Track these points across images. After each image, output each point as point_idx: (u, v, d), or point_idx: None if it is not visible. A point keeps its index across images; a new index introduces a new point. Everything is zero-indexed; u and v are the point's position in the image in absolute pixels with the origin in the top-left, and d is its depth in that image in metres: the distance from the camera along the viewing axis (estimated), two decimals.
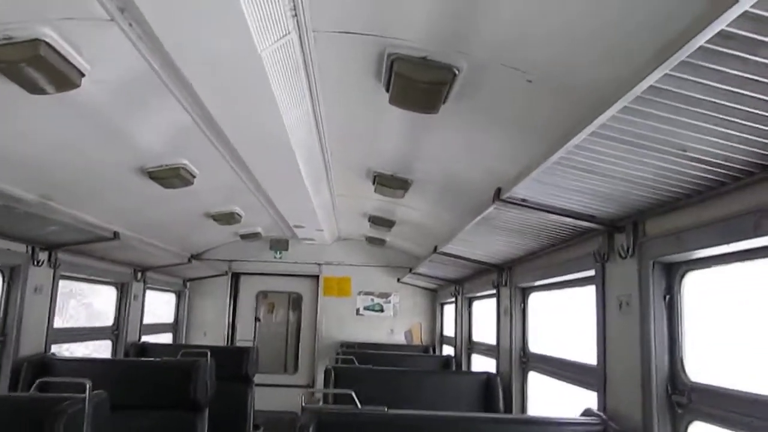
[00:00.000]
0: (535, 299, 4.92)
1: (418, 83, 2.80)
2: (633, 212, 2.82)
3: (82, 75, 2.88)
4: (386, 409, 2.66)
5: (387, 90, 2.95)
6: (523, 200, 2.96)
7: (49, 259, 4.99)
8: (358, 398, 2.93)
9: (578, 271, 3.62)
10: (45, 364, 4.57)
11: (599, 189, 2.60)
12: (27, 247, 4.74)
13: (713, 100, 1.64)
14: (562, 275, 3.93)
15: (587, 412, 2.92)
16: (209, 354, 4.98)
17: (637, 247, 2.83)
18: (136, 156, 4.29)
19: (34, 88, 2.85)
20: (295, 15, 2.48)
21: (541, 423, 2.82)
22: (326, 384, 4.55)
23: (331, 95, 3.40)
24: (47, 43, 2.59)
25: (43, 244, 4.87)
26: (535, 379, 4.80)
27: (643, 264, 2.76)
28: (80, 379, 2.74)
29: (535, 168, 2.43)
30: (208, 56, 2.76)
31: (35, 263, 4.78)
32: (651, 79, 1.53)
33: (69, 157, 3.98)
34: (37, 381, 2.86)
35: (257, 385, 6.87)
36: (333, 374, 4.57)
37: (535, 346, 4.85)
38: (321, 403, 5.12)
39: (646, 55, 1.52)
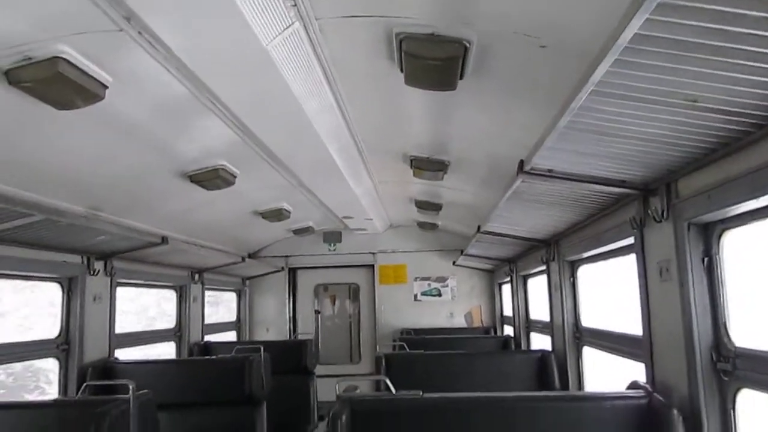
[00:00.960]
0: (584, 272, 4.78)
1: (429, 60, 2.74)
2: (664, 173, 2.69)
3: (105, 87, 2.95)
4: (421, 394, 2.64)
5: (401, 70, 2.90)
6: (550, 171, 2.87)
7: (105, 268, 5.19)
8: (406, 383, 2.91)
9: (618, 240, 3.48)
10: (108, 369, 4.76)
11: (623, 152, 2.49)
12: (82, 257, 4.94)
13: (710, 42, 1.52)
14: (604, 245, 3.79)
15: (633, 385, 2.81)
16: (263, 349, 5.07)
17: (671, 210, 2.69)
18: (174, 161, 4.39)
19: (61, 104, 2.94)
20: (295, 5, 2.46)
21: (584, 398, 2.74)
22: (377, 372, 4.55)
23: (349, 82, 3.39)
24: (65, 59, 2.66)
25: (98, 254, 5.06)
26: (591, 354, 4.68)
27: (679, 227, 2.62)
28: (124, 381, 2.83)
29: (549, 135, 2.34)
30: (217, 56, 2.80)
31: (92, 273, 4.98)
32: (633, 27, 1.44)
33: (110, 168, 4.11)
34: (84, 384, 2.98)
35: (322, 376, 6.97)
36: (384, 361, 4.57)
37: (588, 320, 4.72)
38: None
39: (624, 1, 1.43)
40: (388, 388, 2.81)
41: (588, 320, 4.71)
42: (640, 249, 3.08)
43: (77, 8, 2.38)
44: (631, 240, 3.23)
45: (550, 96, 2.85)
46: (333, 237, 9.38)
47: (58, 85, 2.75)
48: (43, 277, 4.68)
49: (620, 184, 2.89)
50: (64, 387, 4.65)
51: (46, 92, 2.81)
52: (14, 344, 4.24)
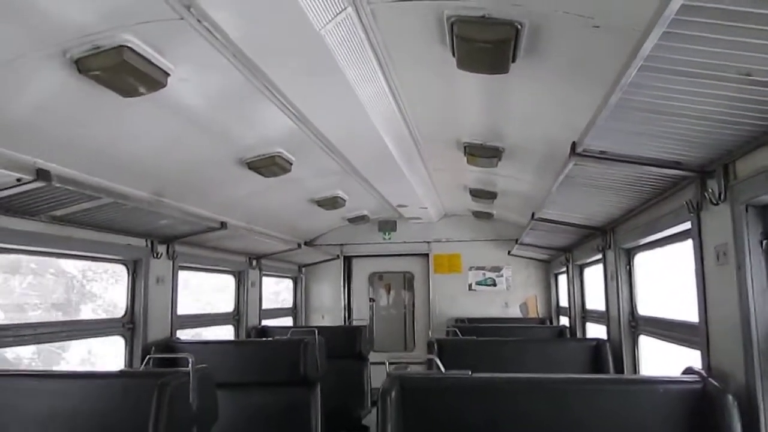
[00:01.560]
0: (641, 260, 4.69)
1: (481, 43, 2.75)
2: (721, 153, 2.62)
3: (167, 74, 3.07)
4: (470, 373, 2.66)
5: (453, 54, 2.91)
6: (602, 152, 2.84)
7: (167, 252, 5.40)
8: (456, 367, 2.94)
9: (675, 225, 3.41)
10: (169, 347, 4.97)
11: (677, 131, 2.44)
12: (146, 241, 5.16)
13: (761, 11, 1.48)
14: (660, 231, 3.71)
15: (688, 370, 2.76)
16: (317, 332, 5.18)
17: (728, 191, 2.62)
18: (233, 148, 4.52)
19: (126, 92, 3.08)
20: None
21: (637, 382, 2.71)
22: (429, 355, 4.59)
23: (402, 68, 3.42)
24: (130, 48, 2.79)
25: (160, 238, 5.28)
26: (647, 343, 4.59)
27: (736, 209, 2.55)
28: (184, 354, 2.97)
29: (600, 114, 2.32)
30: (272, 42, 2.87)
31: (155, 255, 5.20)
32: None
33: (172, 154, 4.27)
34: (147, 357, 3.14)
35: (375, 363, 7.06)
36: (435, 346, 4.60)
37: (644, 308, 4.63)
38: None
39: None
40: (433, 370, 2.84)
41: (644, 308, 4.62)
42: (697, 233, 3.01)
43: None
44: (687, 225, 3.16)
45: (603, 76, 2.80)
46: (388, 225, 9.45)
47: (124, 73, 2.89)
48: (110, 259, 4.92)
49: (675, 165, 2.83)
50: (129, 363, 4.89)
51: (112, 80, 2.95)
52: (85, 321, 4.48)
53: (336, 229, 9.46)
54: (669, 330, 3.87)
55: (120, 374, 3.15)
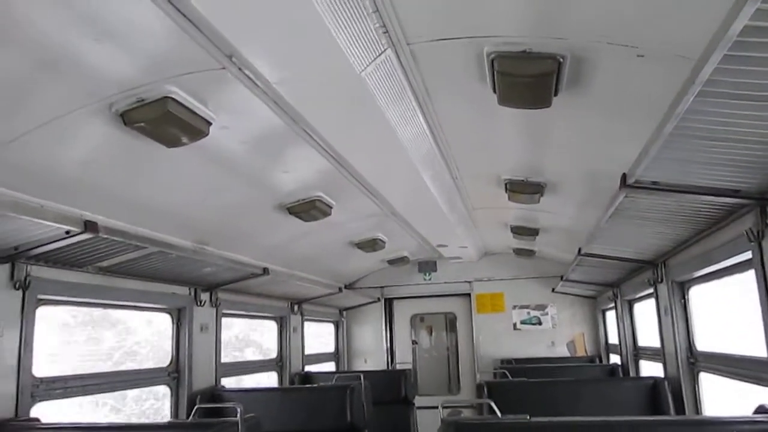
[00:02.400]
0: (696, 293, 4.51)
1: (523, 78, 2.72)
2: None
3: (209, 123, 3.11)
4: (528, 417, 2.55)
5: (494, 91, 2.88)
6: (654, 183, 2.74)
7: (210, 299, 5.41)
8: (509, 411, 2.83)
9: (734, 255, 3.26)
10: (215, 396, 4.93)
11: (735, 157, 2.35)
12: (189, 289, 5.18)
13: None
14: (717, 263, 3.57)
15: (760, 409, 2.59)
16: (363, 378, 5.09)
17: None
18: (273, 194, 4.55)
19: (170, 142, 3.12)
20: (386, 31, 2.51)
21: (705, 423, 2.55)
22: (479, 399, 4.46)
23: (442, 106, 3.40)
24: (174, 99, 2.84)
25: (204, 285, 5.30)
26: (709, 381, 4.37)
27: None
28: (232, 403, 2.93)
29: (654, 144, 2.24)
30: (313, 86, 2.89)
31: (198, 303, 5.21)
32: (743, 18, 1.36)
33: (214, 202, 4.31)
34: (196, 408, 3.10)
35: (421, 408, 6.91)
36: (486, 389, 4.47)
37: (703, 344, 4.42)
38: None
39: None
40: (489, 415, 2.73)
41: (703, 344, 4.42)
42: (759, 263, 2.87)
43: (184, 50, 2.54)
44: (748, 254, 3.02)
45: (649, 106, 2.74)
46: (428, 266, 9.37)
47: (167, 123, 2.93)
48: (155, 308, 4.94)
49: (733, 193, 2.72)
50: (175, 413, 4.86)
51: (156, 131, 3.00)
52: (132, 372, 4.48)
53: (376, 272, 9.42)
54: (733, 366, 3.67)
55: (168, 426, 3.11)
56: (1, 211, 2.80)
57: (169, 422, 3.20)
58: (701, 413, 4.39)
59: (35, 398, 3.49)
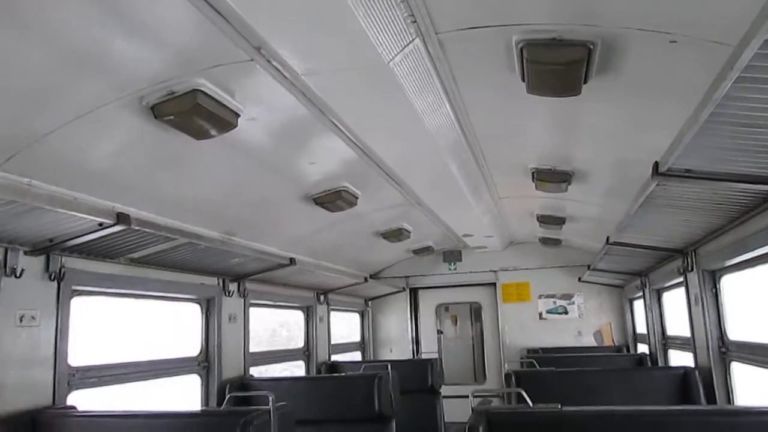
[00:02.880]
0: (729, 282, 4.44)
1: (552, 66, 2.69)
2: None
3: (238, 115, 3.13)
4: (560, 407, 2.54)
5: (523, 80, 2.86)
6: (687, 171, 2.70)
7: (238, 290, 5.47)
8: (537, 399, 2.83)
9: None
10: (244, 385, 5.00)
11: None
12: (218, 279, 5.24)
13: None
14: (751, 251, 3.50)
15: None
16: (390, 367, 5.11)
17: None
18: (300, 184, 4.57)
19: (199, 134, 3.15)
20: (415, 20, 2.50)
21: (740, 413, 2.51)
22: (508, 387, 4.46)
23: (469, 95, 3.38)
24: (203, 91, 2.86)
25: (232, 276, 5.36)
26: (741, 370, 4.31)
27: None
28: (264, 392, 2.97)
29: (688, 131, 2.21)
30: (341, 76, 2.89)
31: (227, 294, 5.27)
32: None
33: (241, 193, 4.35)
34: (228, 396, 3.15)
35: (447, 396, 6.92)
36: (513, 378, 4.46)
37: (735, 333, 4.36)
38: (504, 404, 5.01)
39: None
40: (518, 403, 2.72)
41: (735, 333, 4.35)
42: None
43: (213, 43, 2.56)
44: None
45: (682, 92, 2.70)
46: (453, 256, 9.35)
47: (197, 116, 2.96)
48: (184, 298, 5.01)
49: None
50: (205, 401, 4.94)
51: (186, 123, 3.03)
52: (163, 361, 4.56)
53: (401, 262, 9.43)
54: (767, 356, 3.62)
55: (202, 413, 3.17)
56: (37, 204, 2.85)
57: (202, 410, 3.26)
58: (733, 403, 4.33)
59: (71, 386, 3.58)
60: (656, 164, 2.77)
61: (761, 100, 1.94)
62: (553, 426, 2.51)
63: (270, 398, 2.92)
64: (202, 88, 2.86)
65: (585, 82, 2.81)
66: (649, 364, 6.42)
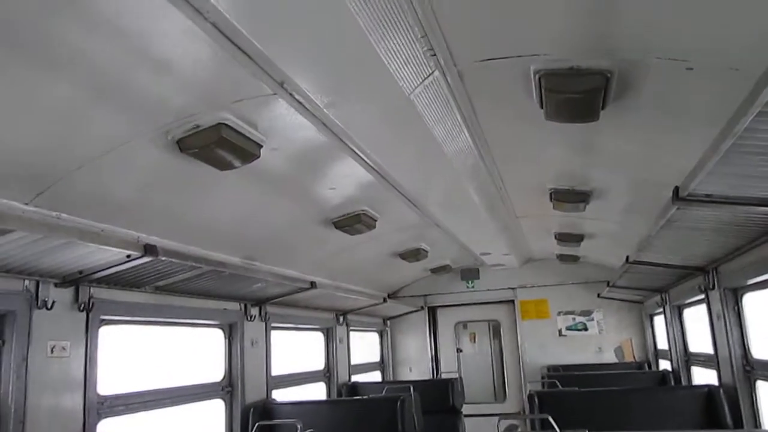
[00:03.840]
0: (751, 300, 4.42)
1: (570, 95, 2.73)
2: None
3: (260, 146, 3.19)
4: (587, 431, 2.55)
5: (541, 107, 2.90)
6: (707, 196, 2.72)
7: (260, 314, 5.53)
8: (564, 422, 2.84)
9: None
10: (267, 409, 5.03)
11: None
12: (240, 304, 5.29)
13: None
14: None
15: None
16: (412, 388, 5.13)
17: None
18: (319, 209, 4.63)
19: (223, 165, 3.21)
20: (434, 54, 2.56)
21: None
22: (531, 410, 4.45)
23: (488, 121, 3.42)
24: (227, 125, 2.93)
25: (253, 300, 5.41)
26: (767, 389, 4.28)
27: None
28: (292, 420, 3.00)
29: (709, 160, 2.23)
30: (364, 111, 2.96)
31: (248, 318, 5.33)
32: None
33: (263, 221, 4.42)
34: (256, 425, 3.18)
35: (468, 415, 6.90)
36: (536, 399, 4.46)
37: (760, 352, 4.33)
38: (528, 429, 5.00)
39: None
40: (544, 427, 2.73)
41: (760, 352, 4.32)
42: None
43: (238, 78, 2.63)
44: None
45: (700, 117, 2.74)
46: (470, 274, 9.34)
47: (221, 148, 3.02)
48: (208, 324, 5.06)
49: None
50: (229, 427, 4.97)
51: (210, 156, 3.09)
52: (188, 387, 4.61)
53: (419, 281, 9.44)
54: None
55: None
56: (66, 238, 2.92)
57: None
58: (760, 423, 4.30)
59: (101, 415, 3.64)
60: (677, 189, 2.79)
61: None
62: None
63: (298, 427, 2.95)
64: (227, 122, 2.92)
65: (603, 108, 2.84)
66: (672, 381, 6.37)
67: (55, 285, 3.40)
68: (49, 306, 3.31)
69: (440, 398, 6.39)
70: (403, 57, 2.48)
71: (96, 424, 3.58)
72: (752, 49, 2.08)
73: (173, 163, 3.13)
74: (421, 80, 2.68)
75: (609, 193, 4.59)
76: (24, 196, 2.90)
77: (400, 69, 2.53)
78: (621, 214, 5.17)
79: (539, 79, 2.68)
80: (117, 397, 3.84)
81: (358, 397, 6.37)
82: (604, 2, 2.16)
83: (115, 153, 2.92)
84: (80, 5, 1.98)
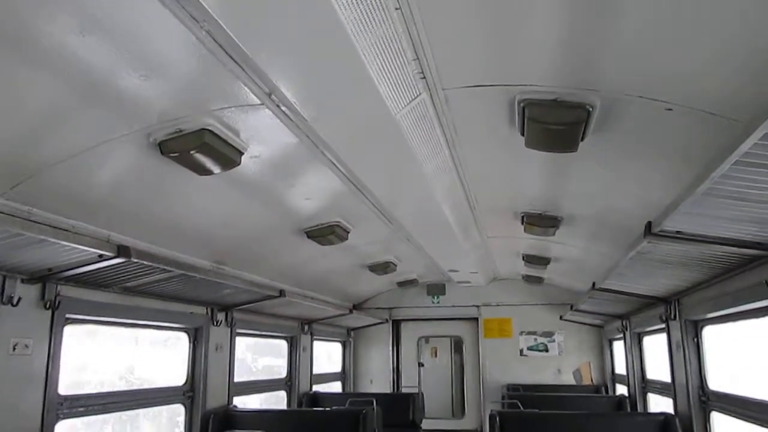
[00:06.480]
0: (710, 333, 4.54)
1: (552, 125, 2.80)
2: None
3: (241, 153, 3.19)
4: None
5: (522, 134, 2.96)
6: (678, 233, 2.81)
7: (226, 319, 5.48)
8: None
9: (752, 302, 3.32)
10: (229, 416, 4.98)
11: (763, 215, 2.41)
12: (207, 309, 5.24)
13: None
14: (733, 306, 3.62)
15: None
16: (375, 402, 5.13)
17: None
18: (293, 219, 4.63)
19: (202, 171, 3.19)
20: (424, 77, 2.60)
21: None
22: (491, 430, 4.50)
23: (468, 144, 3.48)
24: (211, 131, 2.92)
25: (220, 306, 5.36)
26: (721, 420, 4.39)
27: None
28: (256, 430, 2.99)
29: (683, 201, 2.31)
30: (349, 127, 2.98)
31: (215, 323, 5.27)
32: None
33: (236, 226, 4.40)
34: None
35: (426, 431, 6.92)
36: (498, 419, 4.51)
37: (716, 384, 4.45)
38: None
39: None
40: None
41: (716, 383, 4.45)
42: None
43: (226, 86, 2.63)
44: (766, 302, 3.07)
45: (677, 158, 2.82)
46: (437, 289, 9.40)
47: (203, 153, 3.01)
48: (174, 327, 5.00)
49: (756, 246, 2.79)
50: (189, 431, 4.90)
51: (191, 160, 3.07)
52: (148, 390, 4.54)
53: (384, 293, 9.45)
54: (746, 408, 3.71)
55: None
56: (38, 235, 2.87)
57: None
58: None
59: (59, 416, 3.56)
60: (649, 224, 2.88)
61: (756, 180, 2.05)
62: None
63: None
64: (210, 128, 2.91)
65: (582, 140, 2.92)
66: (629, 406, 6.49)
67: (22, 281, 3.33)
68: (14, 302, 3.24)
69: (401, 412, 6.40)
70: (393, 77, 2.51)
71: (54, 425, 3.50)
72: (729, 95, 2.16)
73: (151, 164, 3.12)
74: (408, 101, 2.72)
75: (579, 221, 4.69)
76: None
77: (390, 89, 2.56)
78: (588, 241, 5.28)
79: (523, 108, 2.74)
80: (77, 397, 3.77)
81: (320, 409, 6.34)
82: (592, 40, 2.22)
83: (94, 151, 2.89)
84: (73, 3, 1.97)
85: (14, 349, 3.24)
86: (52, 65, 2.28)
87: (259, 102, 2.78)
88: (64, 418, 3.61)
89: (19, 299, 3.27)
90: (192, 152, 3.00)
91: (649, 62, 2.28)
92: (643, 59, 2.26)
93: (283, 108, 2.84)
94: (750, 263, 3.25)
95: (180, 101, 2.73)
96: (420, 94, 2.71)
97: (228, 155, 3.10)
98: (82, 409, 3.78)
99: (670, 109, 2.49)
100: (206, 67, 2.45)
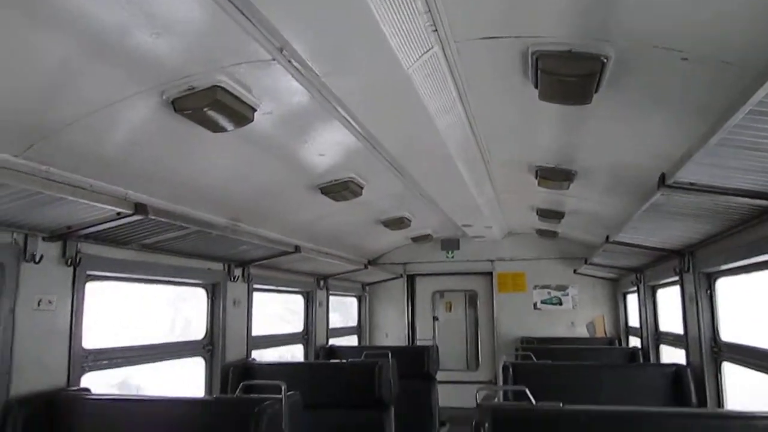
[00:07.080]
0: (724, 284, 4.56)
1: (565, 77, 2.77)
2: None
3: (254, 110, 3.20)
4: (561, 405, 2.65)
5: (536, 87, 2.94)
6: (691, 184, 2.80)
7: (243, 275, 5.57)
8: (536, 394, 2.93)
9: (766, 253, 3.32)
10: (247, 369, 5.11)
11: None
12: (224, 265, 5.33)
13: None
14: (746, 258, 3.62)
15: None
16: (390, 354, 5.23)
17: None
18: (307, 175, 4.65)
19: (215, 128, 3.21)
20: (435, 30, 2.57)
21: (735, 417, 2.63)
22: (505, 381, 4.58)
23: (481, 98, 3.46)
24: (223, 88, 2.93)
25: (237, 261, 5.45)
26: (733, 371, 4.44)
27: None
28: (277, 381, 3.07)
29: (696, 151, 2.30)
30: (361, 81, 2.96)
31: (232, 279, 5.37)
32: None
33: (251, 183, 4.43)
34: (241, 384, 3.24)
35: (441, 382, 7.06)
36: (511, 370, 4.58)
37: (729, 335, 4.49)
38: (501, 399, 5.14)
39: None
40: (517, 398, 2.82)
41: (728, 334, 4.48)
42: None
43: (237, 41, 2.61)
44: None
45: (691, 109, 2.79)
46: (451, 244, 9.43)
47: (215, 110, 3.02)
48: (191, 283, 5.10)
49: None
50: (209, 384, 5.05)
51: (204, 117, 3.09)
52: (170, 344, 4.67)
53: (399, 248, 9.52)
54: (758, 358, 3.75)
55: (215, 400, 3.27)
56: (56, 194, 2.92)
57: (216, 397, 3.36)
58: (723, 403, 4.47)
59: (85, 369, 3.68)
60: (663, 176, 2.87)
61: None
62: (554, 423, 2.62)
63: (282, 388, 3.02)
64: (222, 85, 2.92)
65: (596, 92, 2.89)
66: (641, 358, 6.56)
67: (43, 239, 3.40)
68: (37, 260, 3.31)
69: (416, 364, 6.51)
70: (405, 31, 2.49)
71: (80, 377, 3.62)
72: (747, 44, 2.13)
73: (165, 122, 3.13)
74: (420, 54, 2.69)
75: (593, 174, 4.66)
76: (14, 149, 2.89)
77: (401, 42, 2.54)
78: (602, 194, 5.26)
79: (536, 59, 2.71)
80: (101, 351, 3.88)
81: (337, 361, 6.48)
82: None
83: (108, 110, 2.91)
84: None
85: (39, 304, 3.33)
86: (65, 24, 2.28)
87: (270, 57, 2.77)
88: (89, 371, 3.73)
89: (42, 257, 3.35)
90: (205, 109, 3.01)
91: (664, 9, 2.23)
92: (658, 6, 2.22)
93: (295, 63, 2.83)
94: (763, 214, 3.24)
95: (191, 58, 2.73)
96: (432, 47, 2.68)
97: (241, 112, 3.11)
98: (106, 362, 3.90)
99: (685, 59, 2.46)
100: (216, 23, 2.44)
